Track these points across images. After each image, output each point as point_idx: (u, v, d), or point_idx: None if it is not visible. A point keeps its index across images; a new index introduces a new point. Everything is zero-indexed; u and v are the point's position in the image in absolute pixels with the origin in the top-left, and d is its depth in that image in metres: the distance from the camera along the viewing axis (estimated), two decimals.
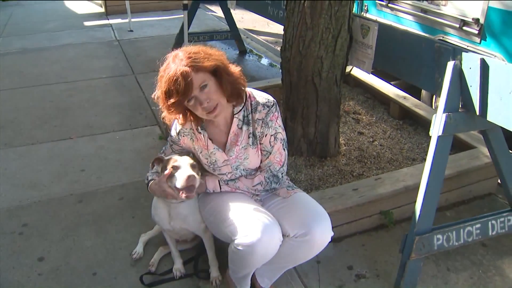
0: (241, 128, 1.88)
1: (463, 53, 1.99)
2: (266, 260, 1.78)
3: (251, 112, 1.87)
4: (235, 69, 1.82)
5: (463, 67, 1.98)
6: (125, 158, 3.38)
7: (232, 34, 5.90)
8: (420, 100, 3.68)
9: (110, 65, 5.48)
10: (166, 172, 1.88)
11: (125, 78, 5.08)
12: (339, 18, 2.57)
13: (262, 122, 1.86)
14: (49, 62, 5.56)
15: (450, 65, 2.00)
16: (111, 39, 6.60)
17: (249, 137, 1.88)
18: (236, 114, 1.87)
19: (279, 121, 1.90)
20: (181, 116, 1.82)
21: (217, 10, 8.14)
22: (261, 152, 1.92)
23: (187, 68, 1.65)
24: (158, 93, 1.76)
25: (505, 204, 2.49)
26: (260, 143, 1.90)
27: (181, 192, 1.83)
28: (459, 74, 2.00)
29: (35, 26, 7.30)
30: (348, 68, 3.92)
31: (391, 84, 3.81)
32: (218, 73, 1.73)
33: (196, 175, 1.83)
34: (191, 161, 1.90)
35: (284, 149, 1.93)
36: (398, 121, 3.48)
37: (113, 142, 3.64)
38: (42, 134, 3.77)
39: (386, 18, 4.20)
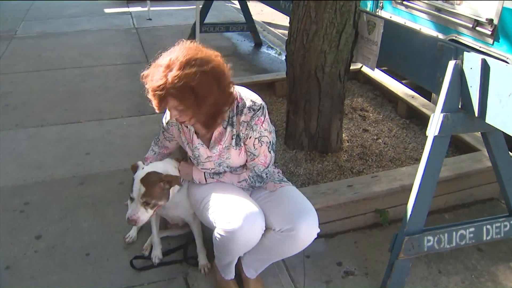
0: (225, 128, 1.87)
1: (465, 53, 1.95)
2: (248, 248, 1.79)
3: (236, 114, 1.85)
4: (219, 101, 1.73)
5: (464, 67, 1.94)
6: (130, 144, 3.43)
7: (248, 26, 5.90)
8: (430, 99, 3.62)
9: (125, 52, 5.54)
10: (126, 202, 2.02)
11: (139, 65, 5.05)
12: (344, 13, 2.55)
13: (247, 124, 1.83)
14: (66, 47, 5.65)
15: (451, 64, 1.96)
16: (129, 27, 6.67)
17: (232, 138, 1.87)
18: None
19: (265, 125, 1.86)
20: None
21: (238, 2, 8.13)
22: (245, 153, 1.91)
23: (164, 94, 1.64)
24: (146, 78, 1.75)
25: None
26: (244, 144, 1.89)
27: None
28: (459, 74, 1.96)
29: (56, 11, 7.43)
30: (358, 65, 3.90)
31: (401, 82, 3.76)
32: (198, 105, 1.70)
33: (138, 214, 1.91)
34: (145, 191, 1.90)
35: (270, 152, 1.90)
36: (405, 120, 3.44)
37: (120, 127, 3.69)
38: (52, 116, 3.85)
39: (401, 15, 4.14)
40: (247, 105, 1.83)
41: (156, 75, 1.68)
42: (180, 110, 1.71)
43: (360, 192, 2.39)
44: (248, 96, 1.87)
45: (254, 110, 1.83)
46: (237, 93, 1.86)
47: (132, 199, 1.94)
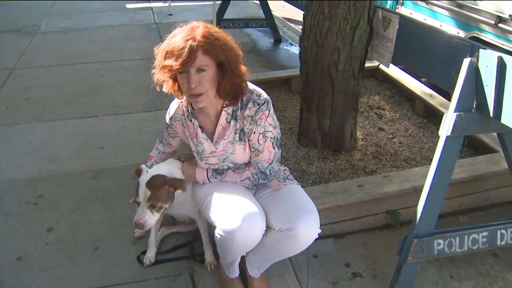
0: (229, 122, 1.84)
1: (481, 50, 1.88)
2: (247, 248, 1.77)
3: (241, 108, 1.82)
4: (243, 72, 1.78)
5: (479, 65, 1.87)
6: (144, 139, 3.45)
7: (267, 22, 5.85)
8: (450, 98, 3.51)
9: (145, 47, 5.57)
10: (132, 200, 2.03)
11: None
12: (359, 9, 2.49)
13: (251, 119, 1.81)
14: (87, 42, 5.74)
15: (466, 62, 1.89)
16: (150, 22, 6.71)
17: (236, 133, 1.85)
18: (225, 107, 1.84)
19: (270, 120, 1.83)
20: (170, 82, 1.78)
21: None
22: (249, 149, 1.89)
23: (196, 44, 1.62)
24: (162, 46, 1.72)
25: None
26: (248, 139, 1.86)
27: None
28: (474, 72, 1.89)
29: (79, 6, 7.55)
30: (376, 62, 3.82)
31: (419, 80, 3.67)
32: (224, 68, 1.70)
33: (145, 218, 1.91)
34: (151, 195, 1.91)
35: (274, 148, 1.87)
36: (422, 119, 3.36)
37: (136, 122, 3.71)
38: (70, 110, 3.90)
39: (421, 12, 4.04)
40: (252, 99, 1.81)
41: (179, 36, 1.64)
42: (204, 71, 1.66)
43: (371, 192, 2.34)
44: (252, 90, 1.84)
45: (258, 104, 1.80)
46: None
47: (138, 203, 1.95)
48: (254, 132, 1.83)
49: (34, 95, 4.22)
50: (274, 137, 1.86)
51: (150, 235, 2.26)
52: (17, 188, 2.85)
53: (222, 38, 1.69)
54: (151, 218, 1.93)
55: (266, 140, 1.84)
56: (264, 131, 1.83)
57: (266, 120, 1.82)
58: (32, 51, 5.48)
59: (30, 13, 7.20)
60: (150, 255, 2.25)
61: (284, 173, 2.01)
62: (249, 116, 1.81)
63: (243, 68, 1.79)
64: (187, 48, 1.60)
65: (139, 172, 2.01)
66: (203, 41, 1.63)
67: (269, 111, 1.83)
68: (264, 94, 1.85)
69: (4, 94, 4.25)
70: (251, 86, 1.88)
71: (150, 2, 7.81)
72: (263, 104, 1.81)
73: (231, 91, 1.76)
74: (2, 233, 2.47)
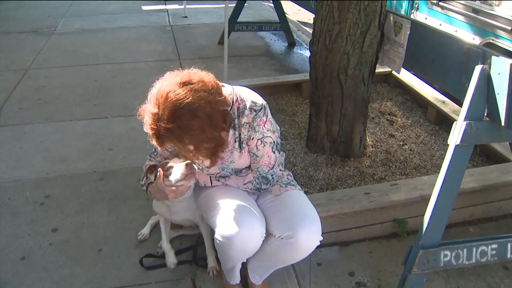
0: (228, 131, 1.80)
1: (493, 57, 1.82)
2: (247, 254, 1.75)
3: (238, 117, 1.79)
4: (216, 129, 1.66)
5: (491, 72, 1.82)
6: None
7: (281, 26, 5.83)
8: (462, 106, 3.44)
9: (158, 49, 5.60)
10: (162, 173, 1.85)
11: (171, 63, 5.16)
12: (369, 14, 2.45)
13: (249, 126, 1.77)
14: (101, 43, 5.78)
15: (477, 69, 1.84)
16: (165, 24, 6.74)
17: (235, 141, 1.82)
18: None
19: (268, 125, 1.80)
20: None
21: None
22: (249, 154, 1.85)
23: (161, 141, 1.60)
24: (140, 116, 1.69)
25: None
26: (247, 145, 1.83)
27: (176, 185, 1.80)
28: (486, 80, 1.83)
29: (96, 8, 7.62)
30: (389, 68, 3.76)
31: (433, 87, 3.60)
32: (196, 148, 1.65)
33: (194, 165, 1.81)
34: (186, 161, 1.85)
35: (274, 152, 1.84)
36: (434, 126, 3.29)
37: None
38: (80, 111, 3.93)
39: (436, 17, 3.97)
40: (247, 106, 1.77)
41: (148, 120, 1.59)
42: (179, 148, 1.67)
43: (377, 200, 2.29)
44: (248, 97, 1.80)
45: (255, 110, 1.76)
46: (237, 94, 1.79)
47: (169, 169, 1.83)
48: (253, 138, 1.79)
49: (47, 95, 4.27)
50: (274, 142, 1.83)
51: (162, 240, 2.24)
52: (25, 188, 2.87)
53: (187, 128, 1.56)
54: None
55: (264, 146, 1.81)
56: (262, 137, 1.79)
57: (264, 126, 1.78)
58: (47, 51, 5.54)
59: (48, 14, 7.29)
60: (171, 259, 2.20)
61: (287, 178, 1.97)
62: (246, 123, 1.77)
63: (220, 123, 1.67)
64: (155, 140, 1.60)
65: (154, 167, 1.93)
66: (166, 137, 1.58)
67: (267, 116, 1.79)
68: (260, 100, 1.81)
69: (17, 94, 4.31)
70: (246, 92, 1.83)
71: (165, 4, 7.85)
72: (259, 110, 1.77)
73: (209, 153, 1.72)
74: (7, 232, 2.49)
